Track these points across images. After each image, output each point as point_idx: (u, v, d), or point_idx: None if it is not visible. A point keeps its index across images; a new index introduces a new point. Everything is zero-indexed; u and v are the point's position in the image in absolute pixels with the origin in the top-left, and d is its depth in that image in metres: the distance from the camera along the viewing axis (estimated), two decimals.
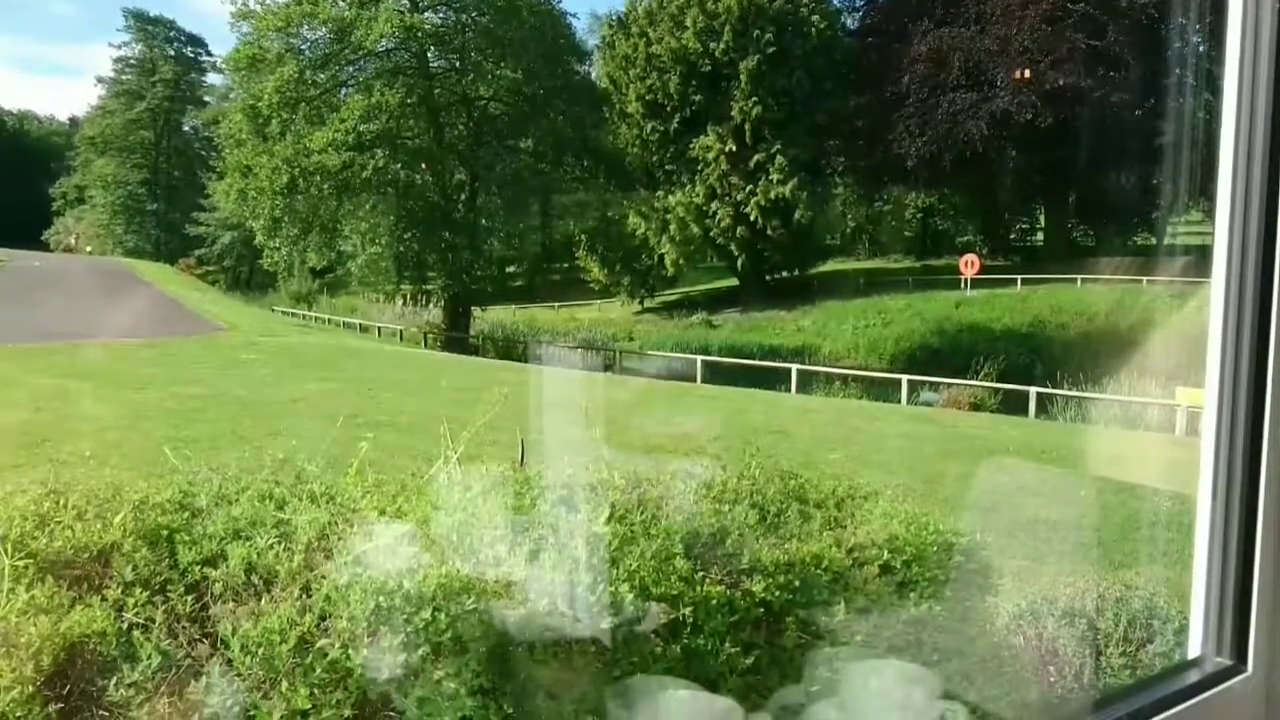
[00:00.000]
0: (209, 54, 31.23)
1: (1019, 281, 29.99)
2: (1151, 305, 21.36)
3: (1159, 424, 12.97)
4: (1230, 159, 1.52)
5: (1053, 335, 25.46)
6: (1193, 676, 1.52)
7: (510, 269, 32.74)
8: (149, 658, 1.85)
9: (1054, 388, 17.05)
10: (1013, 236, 37.51)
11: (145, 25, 29.90)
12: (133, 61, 30.38)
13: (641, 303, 34.47)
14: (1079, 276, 28.27)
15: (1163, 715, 1.43)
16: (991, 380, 19.66)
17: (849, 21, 34.96)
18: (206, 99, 31.82)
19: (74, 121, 32.96)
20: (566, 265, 35.24)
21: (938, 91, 29.33)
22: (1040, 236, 37.09)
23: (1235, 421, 1.53)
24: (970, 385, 19.02)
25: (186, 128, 32.22)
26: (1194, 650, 1.57)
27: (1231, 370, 1.53)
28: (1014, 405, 17.07)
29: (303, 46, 25.71)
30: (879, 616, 2.74)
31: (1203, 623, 1.55)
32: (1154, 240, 29.70)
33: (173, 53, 30.87)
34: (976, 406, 17.46)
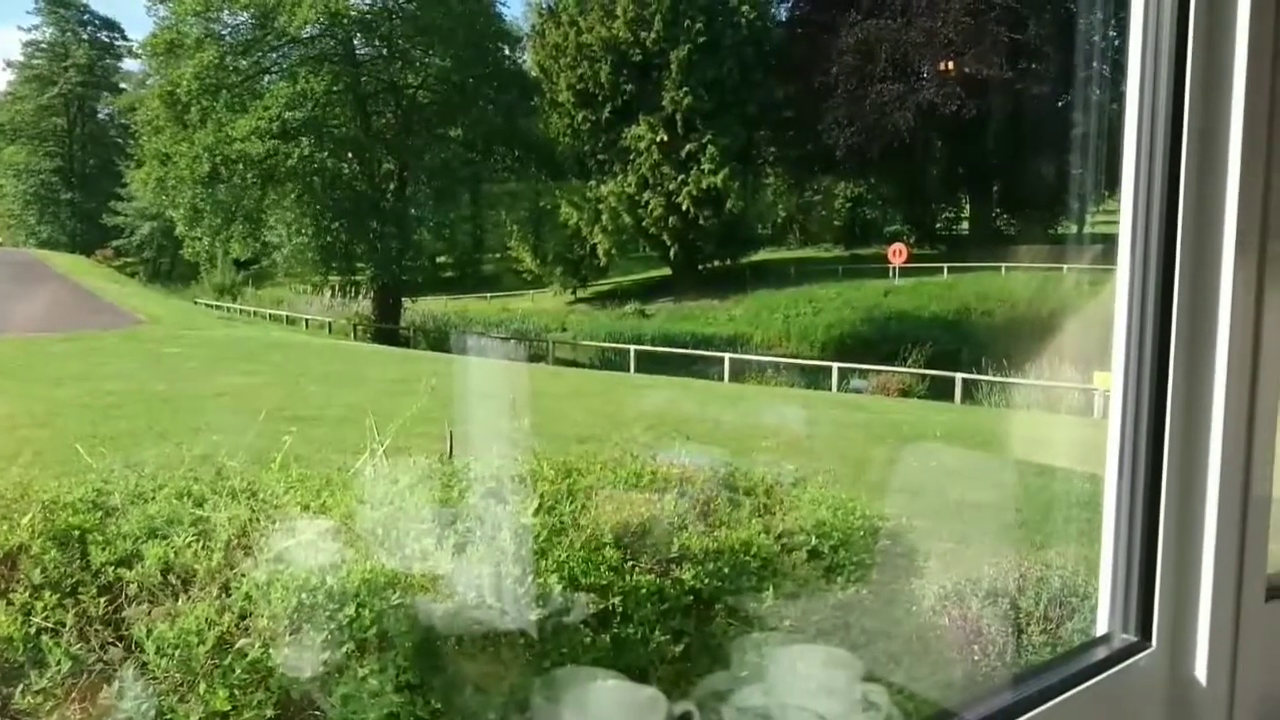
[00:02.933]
0: (125, 39, 30.04)
1: (945, 270, 30.58)
2: (1071, 292, 21.96)
3: (1078, 407, 13.35)
4: (1134, 151, 1.57)
5: (978, 322, 26.04)
6: (1100, 653, 1.57)
7: (441, 259, 32.35)
8: (58, 663, 1.79)
9: (979, 373, 17.44)
10: (939, 225, 38.19)
11: (56, 8, 28.70)
12: (44, 45, 29.12)
13: (574, 293, 34.35)
14: (1003, 264, 28.94)
15: (1073, 690, 1.48)
16: (919, 366, 20.05)
17: (779, 12, 35.25)
18: (123, 85, 30.69)
19: None
20: (498, 256, 34.94)
21: (865, 83, 29.72)
22: (966, 225, 37.84)
23: (1140, 404, 1.58)
24: (899, 372, 19.38)
25: (102, 115, 31.03)
26: (1102, 627, 1.62)
27: (1136, 355, 1.58)
28: (941, 391, 17.44)
29: (223, 32, 24.97)
30: (807, 601, 2.78)
31: (1110, 600, 1.60)
32: (1073, 229, 30.51)
33: (86, 37, 29.66)
34: (905, 392, 17.81)
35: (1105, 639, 1.60)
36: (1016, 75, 27.92)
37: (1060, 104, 26.90)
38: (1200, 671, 1.55)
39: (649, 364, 22.00)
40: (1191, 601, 1.55)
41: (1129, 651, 1.56)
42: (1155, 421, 1.56)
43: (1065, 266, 25.24)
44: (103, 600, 2.00)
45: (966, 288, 28.53)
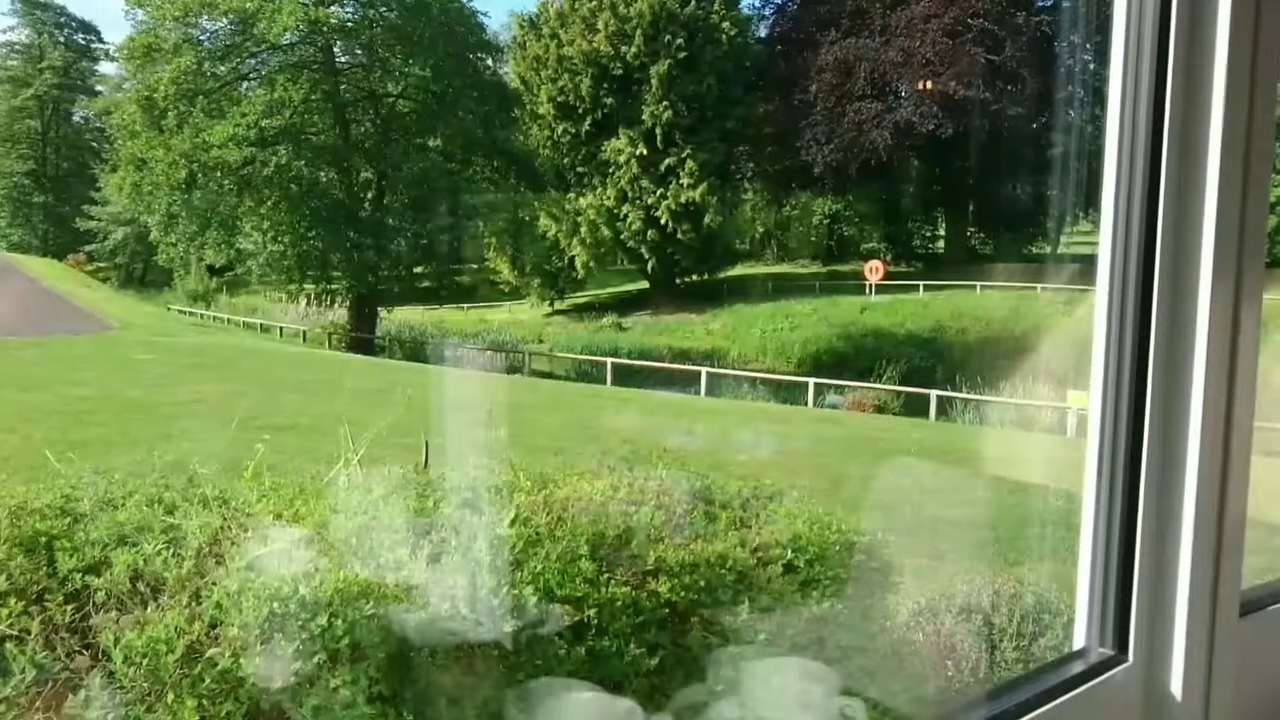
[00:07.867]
0: (102, 42, 29.79)
1: (921, 287, 30.82)
2: (1045, 312, 22.20)
3: (1051, 425, 13.47)
4: (1113, 173, 1.58)
5: (953, 340, 26.22)
6: (1077, 667, 1.58)
7: (418, 269, 32.26)
8: (22, 671, 1.75)
9: (954, 391, 17.57)
10: (915, 243, 38.53)
11: (33, 9, 28.42)
12: (18, 47, 28.82)
13: (551, 305, 34.35)
14: (978, 283, 29.21)
15: (1050, 704, 1.48)
16: (894, 383, 20.19)
17: (759, 29, 35.49)
18: (99, 88, 30.43)
19: None
20: (476, 266, 34.90)
21: (844, 100, 29.99)
22: (942, 244, 38.18)
23: (1118, 423, 1.59)
24: (874, 388, 19.49)
25: (77, 118, 30.74)
26: (1079, 641, 1.63)
27: (1114, 374, 1.59)
28: (916, 408, 17.56)
29: (202, 37, 24.86)
30: (782, 615, 2.77)
31: (1087, 615, 1.61)
32: (1048, 249, 30.90)
33: (63, 39, 29.39)
34: (880, 409, 17.91)
35: (1082, 653, 1.61)
36: (993, 96, 28.27)
37: (1036, 125, 27.28)
38: (1175, 685, 1.56)
39: (626, 377, 22.00)
40: (1167, 616, 1.56)
41: (1106, 665, 1.57)
42: (1133, 439, 1.57)
43: (1039, 286, 25.54)
44: (70, 607, 1.96)
45: (942, 306, 28.76)
